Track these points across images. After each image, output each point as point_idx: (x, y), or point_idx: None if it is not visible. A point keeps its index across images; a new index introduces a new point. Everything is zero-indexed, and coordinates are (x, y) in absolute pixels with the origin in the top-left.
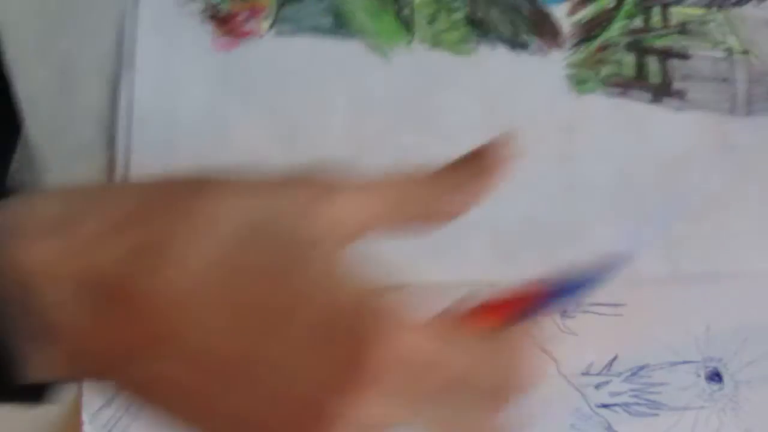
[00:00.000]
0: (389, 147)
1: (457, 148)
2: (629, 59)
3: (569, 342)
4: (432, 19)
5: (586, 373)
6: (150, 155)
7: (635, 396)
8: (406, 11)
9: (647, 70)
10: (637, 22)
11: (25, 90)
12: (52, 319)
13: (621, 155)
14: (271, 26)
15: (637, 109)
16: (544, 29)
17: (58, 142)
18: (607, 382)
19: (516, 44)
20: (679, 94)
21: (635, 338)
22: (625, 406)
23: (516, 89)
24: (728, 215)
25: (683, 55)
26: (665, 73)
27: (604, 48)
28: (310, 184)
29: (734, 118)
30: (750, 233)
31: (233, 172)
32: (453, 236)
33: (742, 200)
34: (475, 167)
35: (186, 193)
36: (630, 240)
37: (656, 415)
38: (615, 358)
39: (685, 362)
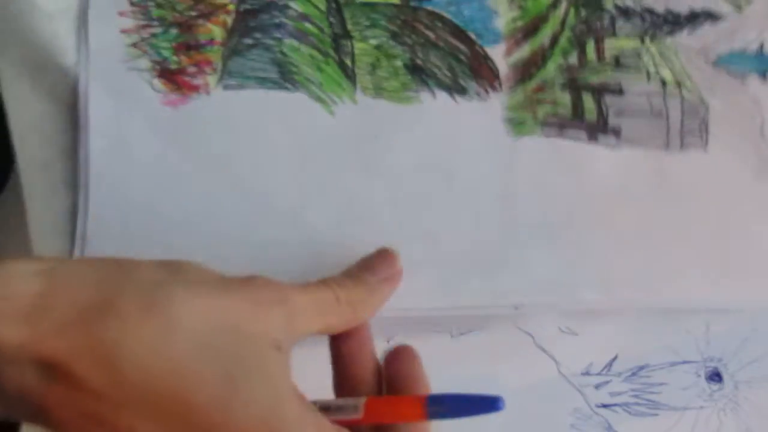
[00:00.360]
0: (333, 193)
1: (399, 193)
2: (565, 98)
3: (569, 342)
4: (373, 68)
5: (586, 373)
6: (107, 207)
7: (635, 396)
8: (347, 61)
9: (583, 108)
10: (573, 59)
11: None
12: (9, 389)
13: (559, 193)
14: (219, 80)
15: (573, 147)
16: (482, 73)
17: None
18: (607, 382)
19: (455, 90)
20: (615, 131)
21: (635, 338)
22: (625, 406)
23: (457, 135)
24: (662, 247)
25: (617, 91)
26: (600, 111)
27: (540, 88)
28: (263, 289)
29: (669, 153)
30: (685, 264)
31: (194, 268)
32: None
33: (676, 232)
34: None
35: (149, 290)
36: None
37: (656, 415)
38: (615, 358)
39: (685, 362)
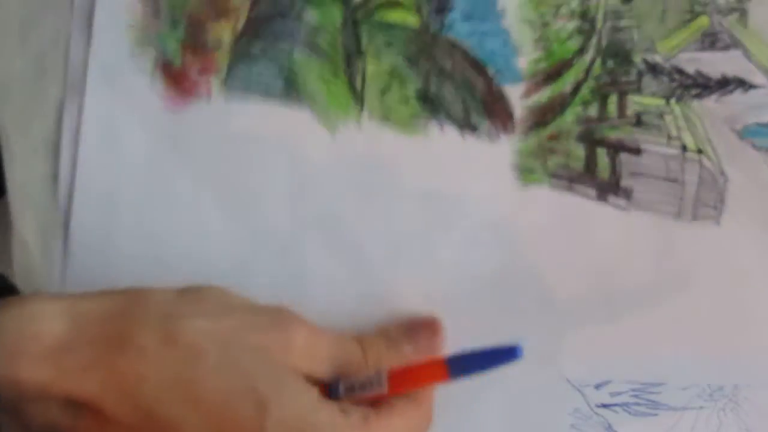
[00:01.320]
0: (329, 221)
1: (395, 227)
2: (579, 151)
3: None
4: (383, 92)
5: None
6: (93, 205)
7: (635, 396)
8: (358, 81)
9: (596, 163)
10: (592, 111)
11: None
12: (34, 426)
13: (559, 250)
14: (222, 85)
15: (580, 205)
16: (496, 111)
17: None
18: (607, 382)
19: (466, 126)
20: (626, 193)
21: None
22: (625, 406)
23: (462, 174)
24: (659, 321)
25: (635, 150)
26: (614, 169)
27: (555, 137)
28: (293, 323)
29: (679, 222)
30: (675, 343)
31: (215, 294)
32: None
33: (676, 308)
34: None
35: (168, 322)
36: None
37: (656, 415)
38: None
39: None
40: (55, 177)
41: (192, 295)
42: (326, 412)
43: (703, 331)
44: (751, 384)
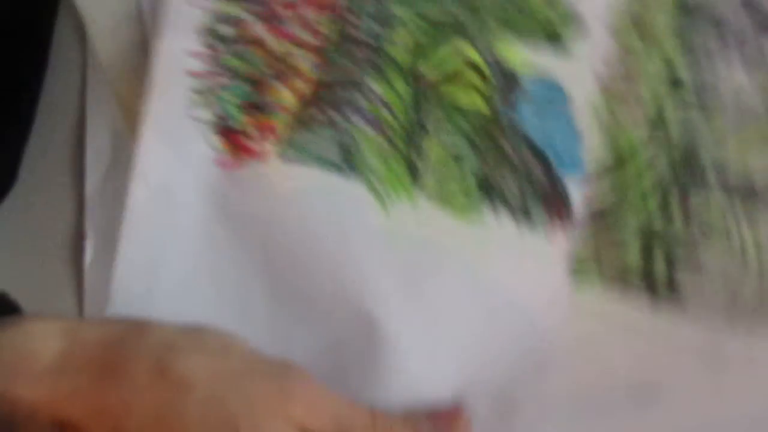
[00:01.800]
0: (374, 301)
1: (435, 317)
2: (635, 251)
3: None
4: (442, 175)
5: None
6: (137, 261)
7: None
8: (416, 159)
9: (653, 271)
10: (653, 209)
11: None
12: None
13: (607, 364)
14: (279, 151)
15: (633, 315)
16: (553, 202)
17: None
18: None
19: (522, 217)
20: (680, 301)
21: None
22: None
23: (512, 270)
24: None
25: (694, 254)
26: (671, 275)
27: (612, 233)
28: (296, 377)
29: (734, 335)
30: None
31: (216, 336)
32: None
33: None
34: None
35: (163, 353)
36: None
37: None
38: None
39: None
40: None
41: (193, 332)
42: None
43: None
44: None
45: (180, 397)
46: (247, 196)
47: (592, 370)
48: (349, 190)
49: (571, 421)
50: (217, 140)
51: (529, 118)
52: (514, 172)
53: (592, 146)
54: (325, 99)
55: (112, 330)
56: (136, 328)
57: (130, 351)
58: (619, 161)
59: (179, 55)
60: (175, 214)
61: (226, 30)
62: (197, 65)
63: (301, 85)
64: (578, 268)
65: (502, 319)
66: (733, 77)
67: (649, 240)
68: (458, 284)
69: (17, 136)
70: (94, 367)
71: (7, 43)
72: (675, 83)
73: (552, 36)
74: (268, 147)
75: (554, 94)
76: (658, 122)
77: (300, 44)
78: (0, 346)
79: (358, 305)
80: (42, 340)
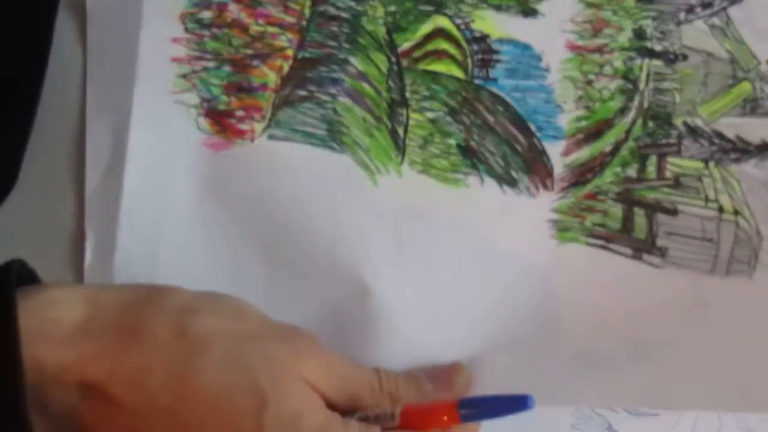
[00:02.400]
0: (365, 268)
1: (431, 277)
2: (616, 211)
3: None
4: (425, 143)
5: None
6: (135, 247)
7: None
8: (400, 130)
9: (633, 224)
10: (631, 171)
11: None
12: (53, 408)
13: (594, 306)
14: (265, 129)
15: (616, 263)
16: (536, 168)
17: None
18: None
19: (506, 181)
20: (661, 252)
21: None
22: None
23: (499, 228)
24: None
25: (672, 211)
26: (651, 230)
27: (593, 196)
28: (305, 339)
29: (712, 277)
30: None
31: (234, 302)
32: None
33: (710, 357)
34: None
35: (181, 316)
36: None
37: (657, 414)
38: None
39: None
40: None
41: (210, 296)
42: (325, 415)
43: (731, 381)
44: None
45: (199, 355)
46: (238, 176)
47: (584, 321)
48: (338, 164)
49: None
50: (205, 122)
51: (508, 90)
52: (497, 140)
53: (571, 116)
54: (306, 76)
55: (132, 295)
56: (156, 292)
57: (151, 313)
58: (597, 129)
59: (162, 42)
60: (169, 197)
61: (205, 14)
62: (180, 51)
63: (283, 63)
64: (561, 225)
65: (495, 274)
66: (701, 44)
67: (629, 203)
68: (449, 246)
69: (17, 136)
70: (115, 329)
71: (7, 43)
72: (644, 51)
73: (525, 6)
74: (255, 126)
75: (532, 66)
76: (633, 91)
77: (277, 23)
78: (24, 314)
79: (353, 276)
80: (65, 307)
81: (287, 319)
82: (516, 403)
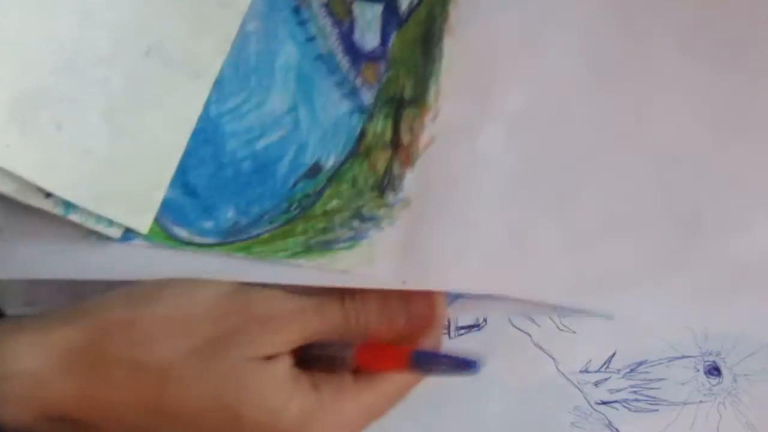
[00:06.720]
0: None
1: None
2: None
3: (567, 340)
4: None
5: (584, 371)
6: None
7: (635, 392)
8: None
9: None
10: None
11: None
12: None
13: None
14: None
15: None
16: None
17: None
18: (606, 379)
19: None
20: None
21: (633, 334)
22: (624, 402)
23: None
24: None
25: None
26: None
27: None
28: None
29: None
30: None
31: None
32: None
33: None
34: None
35: (135, 352)
36: None
37: (656, 410)
38: (613, 355)
39: (683, 357)
40: None
41: (143, 295)
42: (297, 401)
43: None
44: None
45: (164, 387)
46: None
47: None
48: None
49: None
50: None
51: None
52: None
53: None
54: None
55: (79, 333)
56: (101, 326)
57: (104, 354)
58: None
59: None
60: None
61: None
62: None
63: None
64: None
65: None
66: None
67: None
68: None
69: None
70: (74, 373)
71: None
72: None
73: None
74: None
75: None
76: None
77: None
78: None
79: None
80: (18, 359)
81: None
82: (464, 366)
